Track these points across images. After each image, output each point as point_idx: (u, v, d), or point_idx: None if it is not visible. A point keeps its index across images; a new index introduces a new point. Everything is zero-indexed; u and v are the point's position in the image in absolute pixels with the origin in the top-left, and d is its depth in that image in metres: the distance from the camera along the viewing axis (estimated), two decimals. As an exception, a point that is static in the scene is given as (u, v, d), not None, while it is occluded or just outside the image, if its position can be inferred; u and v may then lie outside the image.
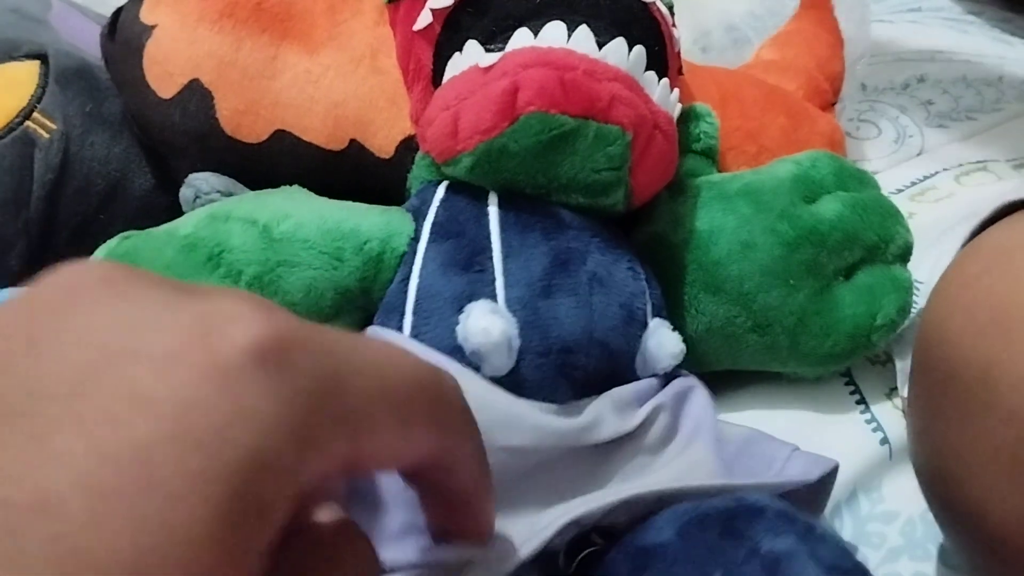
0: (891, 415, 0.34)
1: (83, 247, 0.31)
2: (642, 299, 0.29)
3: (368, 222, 0.30)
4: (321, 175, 0.34)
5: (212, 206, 0.31)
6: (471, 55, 0.29)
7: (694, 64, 0.41)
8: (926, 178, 0.46)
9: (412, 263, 0.29)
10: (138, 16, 0.34)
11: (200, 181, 0.33)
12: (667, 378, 0.29)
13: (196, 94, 0.33)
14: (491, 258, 0.27)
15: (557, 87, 0.26)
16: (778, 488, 0.25)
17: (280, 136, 0.34)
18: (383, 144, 0.35)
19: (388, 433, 0.15)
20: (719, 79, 0.41)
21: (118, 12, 0.35)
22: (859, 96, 0.51)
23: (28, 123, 0.34)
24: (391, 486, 0.23)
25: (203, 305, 0.14)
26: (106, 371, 0.12)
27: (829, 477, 0.27)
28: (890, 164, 0.48)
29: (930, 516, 0.31)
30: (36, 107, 0.35)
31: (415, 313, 0.28)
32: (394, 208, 0.31)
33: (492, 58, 0.28)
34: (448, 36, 0.30)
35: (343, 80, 0.34)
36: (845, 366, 0.34)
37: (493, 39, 0.29)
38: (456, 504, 0.19)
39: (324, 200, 0.31)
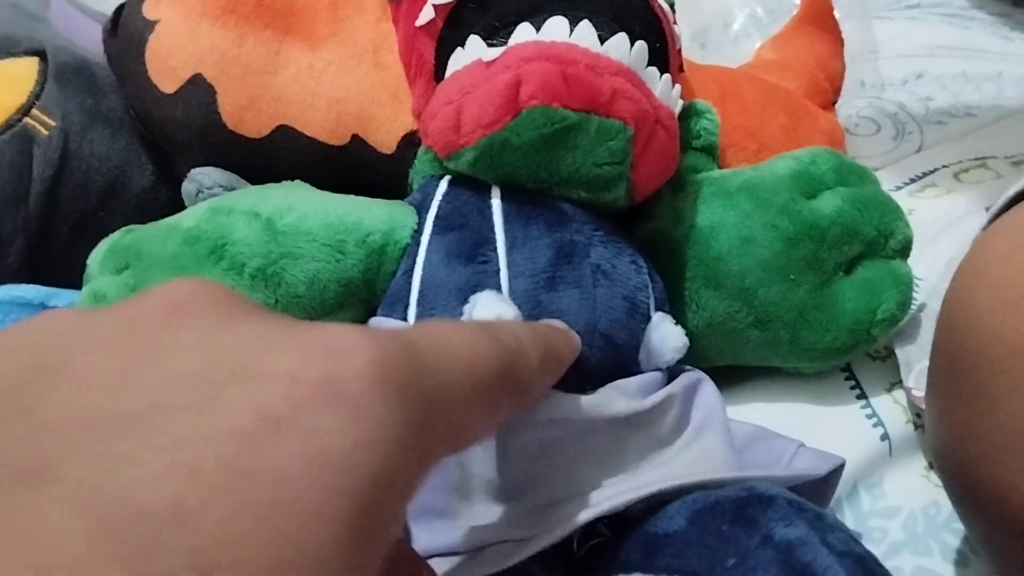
0: (892, 410, 0.35)
1: (82, 244, 0.31)
2: (645, 292, 0.29)
3: (371, 215, 0.30)
4: (323, 170, 0.34)
5: (214, 200, 0.31)
6: (473, 50, 0.29)
7: (694, 63, 0.41)
8: (925, 175, 0.46)
9: (416, 255, 0.29)
10: (140, 11, 0.34)
11: (202, 176, 0.33)
12: (670, 372, 0.29)
13: (199, 89, 0.33)
14: (495, 249, 0.28)
15: (559, 81, 0.26)
16: (788, 481, 0.25)
17: (282, 131, 0.34)
18: (385, 139, 0.35)
19: (480, 425, 0.16)
20: (719, 77, 0.41)
21: (120, 8, 0.35)
22: (858, 93, 0.51)
23: (27, 120, 0.34)
24: None
25: (315, 330, 0.14)
26: (232, 389, 0.13)
27: (835, 473, 0.28)
28: (889, 161, 0.48)
29: (931, 511, 0.32)
30: (35, 104, 0.35)
31: (419, 304, 0.28)
32: (397, 202, 0.31)
33: (494, 52, 0.28)
34: (450, 31, 0.30)
35: (345, 75, 0.34)
36: (845, 361, 0.34)
37: (495, 34, 0.29)
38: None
39: (327, 194, 0.31)
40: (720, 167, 0.36)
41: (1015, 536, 0.22)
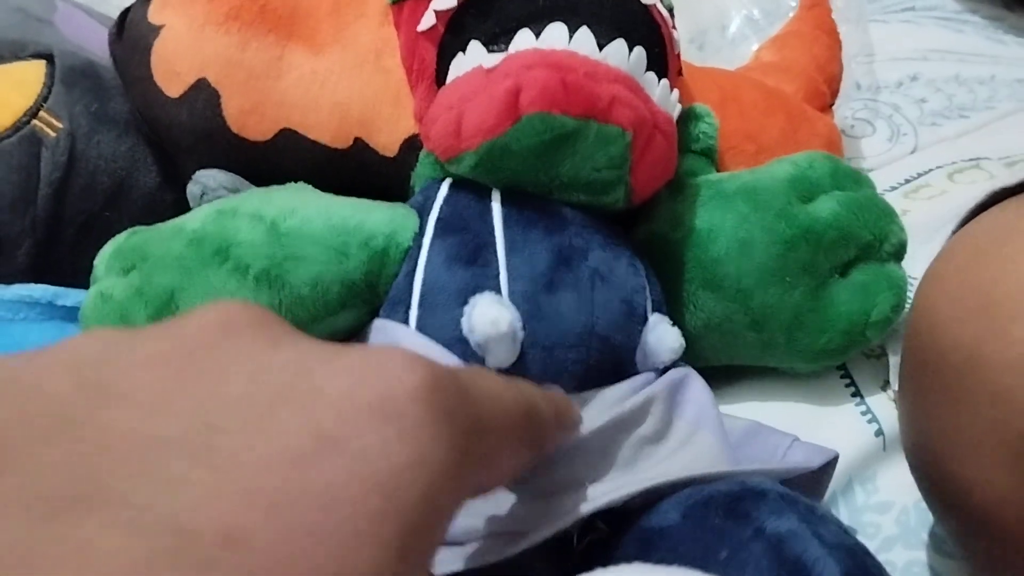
0: (886, 407, 0.35)
1: (89, 244, 0.32)
2: (642, 295, 0.29)
3: (373, 218, 0.30)
4: (326, 173, 0.35)
5: (219, 202, 0.31)
6: (474, 56, 0.29)
7: (693, 66, 0.42)
8: (920, 175, 0.46)
9: (417, 257, 0.29)
10: (146, 17, 0.34)
11: (207, 178, 0.33)
12: (663, 372, 0.30)
13: (203, 93, 0.34)
14: (495, 253, 0.28)
15: (559, 88, 0.27)
16: (782, 474, 0.26)
17: (286, 135, 0.34)
18: (387, 143, 0.35)
19: (506, 464, 0.17)
20: (718, 81, 0.41)
21: (126, 13, 0.35)
22: (854, 95, 0.51)
23: (35, 122, 0.35)
24: None
25: (363, 352, 0.14)
26: (283, 409, 0.13)
27: (829, 467, 0.28)
28: (884, 162, 0.48)
29: (923, 505, 0.32)
30: (43, 106, 0.35)
31: (421, 306, 0.28)
32: (399, 204, 0.32)
33: (495, 59, 0.28)
34: (451, 37, 0.31)
35: (348, 80, 0.35)
36: (840, 361, 0.35)
37: (496, 40, 0.29)
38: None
39: (330, 196, 0.32)
40: (719, 170, 0.37)
41: (978, 530, 0.23)
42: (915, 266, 0.35)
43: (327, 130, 0.35)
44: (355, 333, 0.31)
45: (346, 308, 0.30)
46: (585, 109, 0.27)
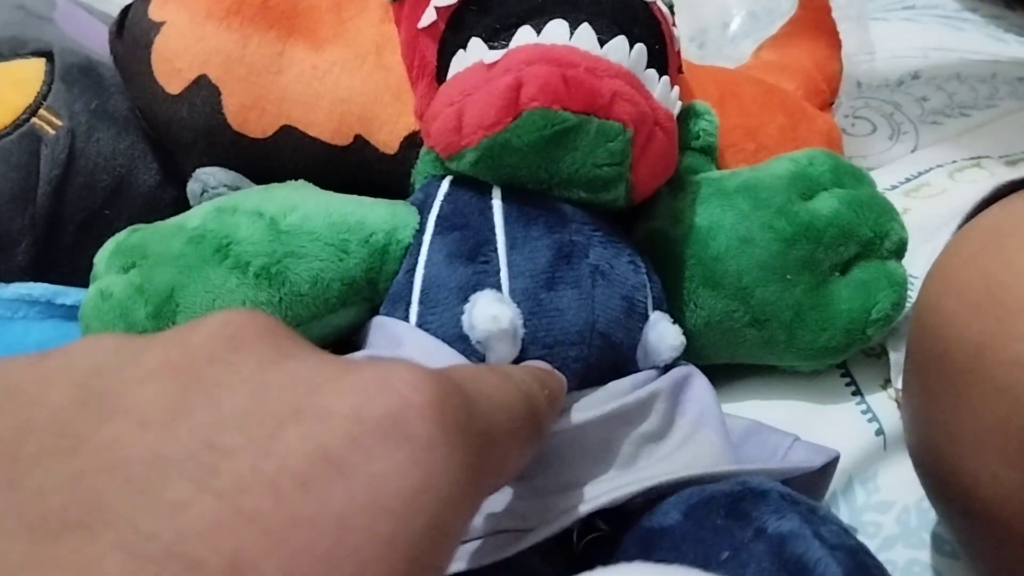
0: (886, 406, 0.35)
1: (89, 242, 0.32)
2: (643, 292, 0.29)
3: (374, 214, 0.30)
4: (326, 170, 0.35)
5: (219, 200, 0.31)
6: (475, 52, 0.29)
7: (693, 63, 0.42)
8: (920, 174, 0.46)
9: (418, 254, 0.29)
10: (146, 13, 0.34)
11: (207, 176, 0.33)
12: (666, 370, 0.30)
13: (203, 90, 0.34)
14: (495, 250, 0.28)
15: (560, 84, 0.27)
16: (784, 474, 0.26)
17: (286, 131, 0.34)
18: (388, 139, 0.35)
19: (518, 461, 0.17)
20: (718, 78, 0.41)
21: (126, 9, 0.35)
22: (854, 93, 0.51)
23: (35, 120, 0.35)
24: None
25: (371, 367, 0.14)
26: (289, 429, 0.12)
27: (829, 467, 0.28)
28: (885, 160, 0.48)
29: (925, 504, 0.32)
30: (42, 104, 0.35)
31: (421, 302, 0.28)
32: (399, 201, 0.32)
33: (496, 55, 0.28)
34: (452, 33, 0.31)
35: (348, 76, 0.35)
36: (840, 360, 0.35)
37: (496, 36, 0.29)
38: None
39: (330, 193, 0.32)
40: (719, 167, 0.37)
41: (982, 528, 0.23)
42: (915, 265, 0.35)
43: (327, 127, 0.35)
44: (355, 330, 0.31)
45: (346, 305, 0.30)
46: (586, 105, 0.27)
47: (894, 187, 0.45)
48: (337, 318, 0.30)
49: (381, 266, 0.30)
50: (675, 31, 0.33)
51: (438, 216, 0.30)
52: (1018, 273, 0.22)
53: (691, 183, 0.34)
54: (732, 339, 0.33)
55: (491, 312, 0.26)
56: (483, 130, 0.27)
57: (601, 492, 0.24)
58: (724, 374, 0.35)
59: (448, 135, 0.29)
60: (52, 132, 0.35)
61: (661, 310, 0.30)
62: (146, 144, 0.37)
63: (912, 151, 0.49)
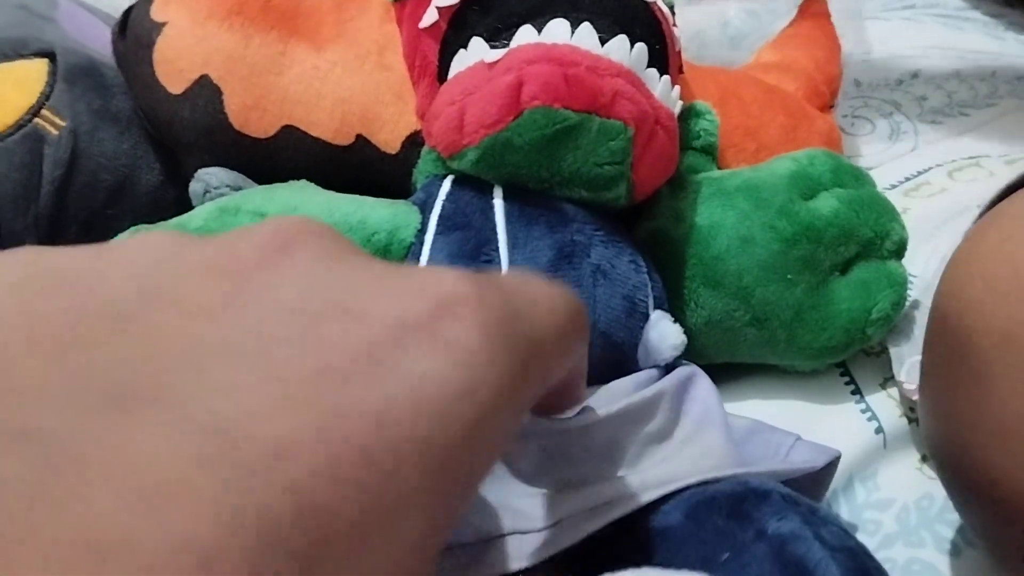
0: (885, 404, 0.35)
1: (91, 242, 0.32)
2: (644, 291, 0.29)
3: (375, 214, 0.30)
4: (328, 170, 0.35)
5: (221, 200, 0.31)
6: (476, 51, 0.29)
7: (693, 64, 0.42)
8: (920, 173, 0.46)
9: (419, 254, 0.29)
10: (148, 14, 0.34)
11: (210, 176, 0.33)
12: (667, 369, 0.30)
13: (205, 90, 0.34)
14: (497, 249, 0.28)
15: (561, 82, 0.27)
16: (787, 475, 0.26)
17: (288, 131, 0.35)
18: (389, 139, 0.35)
19: (558, 372, 0.16)
20: (719, 79, 0.41)
21: (129, 10, 0.35)
22: (853, 92, 0.51)
23: (37, 120, 0.35)
24: None
25: (420, 273, 0.14)
26: (335, 326, 0.12)
27: (831, 466, 0.28)
28: (884, 160, 0.48)
29: (924, 503, 0.32)
30: (45, 104, 0.35)
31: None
32: (400, 201, 0.32)
33: (497, 54, 0.28)
34: (454, 33, 0.31)
35: (350, 76, 0.35)
36: (840, 359, 0.35)
37: (498, 36, 0.29)
38: (559, 389, 0.19)
39: (331, 193, 0.32)
40: (719, 167, 0.37)
41: (1008, 521, 0.22)
42: (915, 263, 0.35)
43: (329, 127, 0.35)
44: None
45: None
46: (587, 103, 0.27)
47: (893, 186, 0.45)
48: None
49: (383, 265, 0.30)
50: (675, 31, 0.33)
51: (440, 216, 0.30)
52: None
53: (692, 183, 0.34)
54: (733, 338, 0.33)
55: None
56: (485, 129, 0.28)
57: (607, 498, 0.24)
58: (724, 373, 0.35)
59: (450, 134, 0.29)
60: (55, 132, 0.35)
61: (662, 309, 0.30)
62: (148, 144, 0.37)
63: (911, 150, 0.48)
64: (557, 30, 0.29)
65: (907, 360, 0.34)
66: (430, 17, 0.31)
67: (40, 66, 0.36)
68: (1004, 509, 0.22)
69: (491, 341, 0.13)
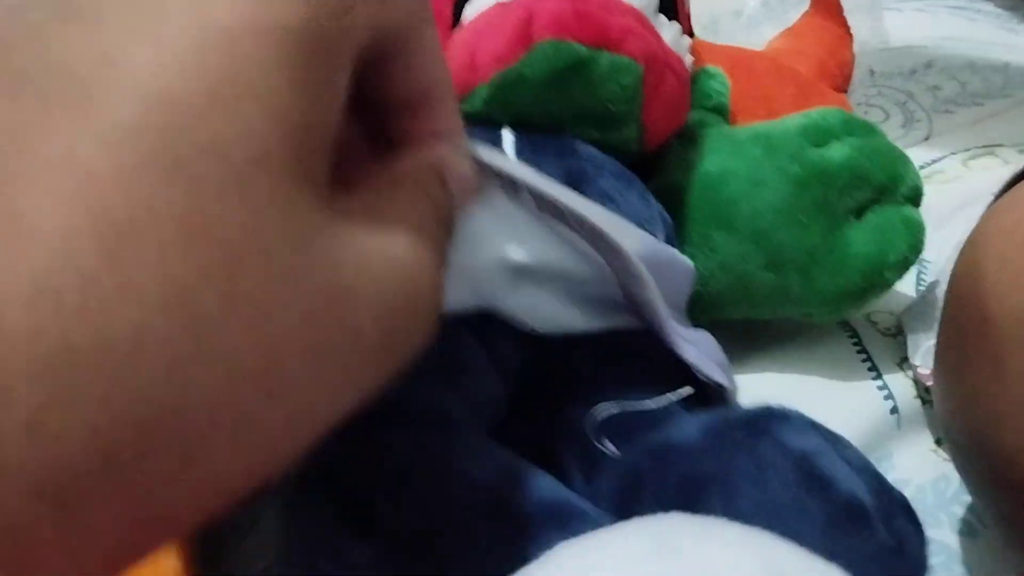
0: (902, 384, 0.34)
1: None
2: (655, 225, 0.29)
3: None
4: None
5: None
6: (490, -1, 0.29)
7: (705, 42, 0.42)
8: (934, 162, 0.46)
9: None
10: None
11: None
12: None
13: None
14: None
15: (571, 17, 0.27)
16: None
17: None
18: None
19: None
20: (731, 54, 0.42)
21: None
22: (868, 81, 0.52)
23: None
24: None
25: None
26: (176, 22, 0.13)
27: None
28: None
29: (941, 484, 0.31)
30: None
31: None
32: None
33: (510, -4, 0.28)
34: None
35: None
36: (859, 307, 0.34)
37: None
38: (415, 103, 0.18)
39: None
40: (731, 128, 0.36)
41: (1021, 501, 0.22)
42: (929, 250, 0.34)
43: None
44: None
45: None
46: (597, 38, 0.27)
47: (908, 173, 0.45)
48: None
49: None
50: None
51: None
52: None
53: (703, 136, 0.34)
54: (747, 285, 0.33)
55: None
56: (496, 63, 0.27)
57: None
58: (740, 344, 0.34)
59: (462, 73, 0.29)
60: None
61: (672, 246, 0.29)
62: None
63: (925, 139, 0.49)
64: (568, -29, 0.28)
65: (923, 344, 0.34)
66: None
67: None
68: (1018, 488, 0.22)
69: None
